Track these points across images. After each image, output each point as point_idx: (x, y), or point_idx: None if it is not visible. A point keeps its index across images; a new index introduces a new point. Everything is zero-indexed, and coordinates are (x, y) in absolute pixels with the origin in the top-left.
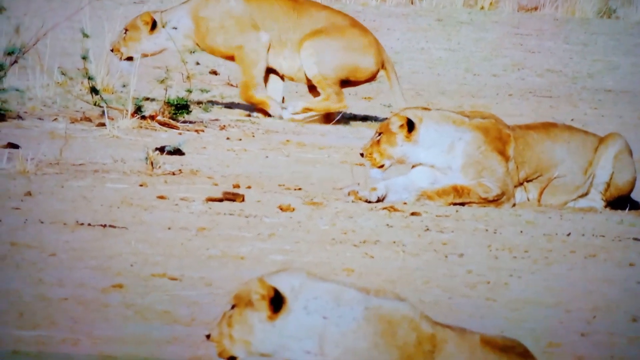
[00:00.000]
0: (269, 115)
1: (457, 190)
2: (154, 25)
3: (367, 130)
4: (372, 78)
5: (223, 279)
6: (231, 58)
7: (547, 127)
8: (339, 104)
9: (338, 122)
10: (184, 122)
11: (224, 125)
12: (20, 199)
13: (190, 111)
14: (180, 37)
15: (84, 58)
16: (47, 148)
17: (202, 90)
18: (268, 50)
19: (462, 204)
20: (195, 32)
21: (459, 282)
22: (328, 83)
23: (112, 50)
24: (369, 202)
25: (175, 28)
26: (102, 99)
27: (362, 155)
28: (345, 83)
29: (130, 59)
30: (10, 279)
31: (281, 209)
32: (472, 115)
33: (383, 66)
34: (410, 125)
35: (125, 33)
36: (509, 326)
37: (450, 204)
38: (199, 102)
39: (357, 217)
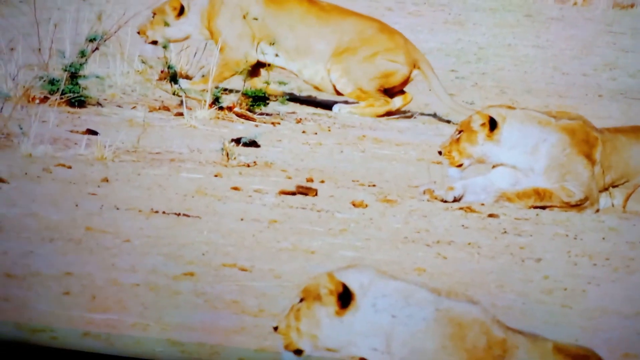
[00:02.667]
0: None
1: (538, 193)
2: (181, 11)
3: (446, 128)
4: (407, 80)
5: (292, 272)
6: (220, 49)
7: (637, 131)
8: (385, 107)
9: (416, 118)
10: (261, 114)
11: (300, 119)
12: (97, 184)
13: (268, 103)
14: (198, 22)
15: (165, 47)
16: (125, 135)
17: (280, 83)
18: (248, 68)
19: (543, 208)
20: (208, 10)
21: (535, 287)
22: (368, 94)
23: (138, 33)
24: (445, 201)
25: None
26: (180, 88)
27: (440, 153)
28: (383, 90)
29: (155, 42)
30: (85, 263)
31: (354, 205)
32: (559, 116)
33: (416, 66)
34: (492, 124)
35: (153, 17)
36: (584, 335)
37: (530, 207)
38: (276, 95)
39: (432, 216)
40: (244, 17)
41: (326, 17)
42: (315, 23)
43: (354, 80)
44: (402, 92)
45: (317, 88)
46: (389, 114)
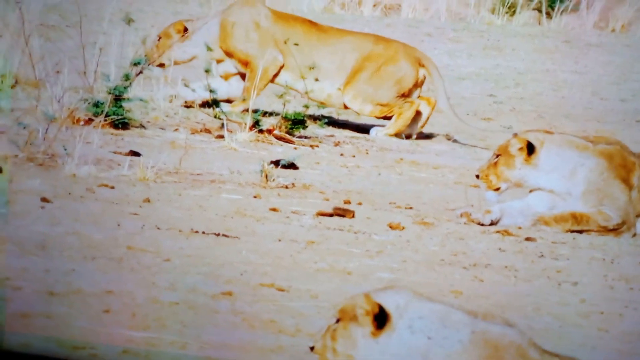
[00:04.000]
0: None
1: (575, 217)
2: (184, 33)
3: (484, 152)
4: (417, 81)
5: (329, 292)
6: (245, 64)
7: None
8: (412, 107)
9: (455, 141)
10: (300, 137)
11: (339, 142)
12: (139, 205)
13: (307, 126)
14: (209, 43)
15: (207, 71)
16: (167, 157)
17: (319, 106)
18: (279, 70)
19: (580, 232)
20: (220, 34)
21: (572, 310)
22: (389, 105)
23: (146, 57)
24: (482, 224)
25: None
26: (222, 111)
27: (477, 176)
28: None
29: (161, 65)
30: (125, 281)
31: (391, 227)
32: (597, 141)
33: (420, 64)
34: (530, 148)
35: (158, 40)
36: (620, 359)
37: (567, 231)
38: (315, 118)
39: (469, 239)
40: (257, 26)
41: (325, 36)
42: (317, 42)
43: (370, 99)
44: (427, 99)
45: (323, 104)
46: (422, 136)
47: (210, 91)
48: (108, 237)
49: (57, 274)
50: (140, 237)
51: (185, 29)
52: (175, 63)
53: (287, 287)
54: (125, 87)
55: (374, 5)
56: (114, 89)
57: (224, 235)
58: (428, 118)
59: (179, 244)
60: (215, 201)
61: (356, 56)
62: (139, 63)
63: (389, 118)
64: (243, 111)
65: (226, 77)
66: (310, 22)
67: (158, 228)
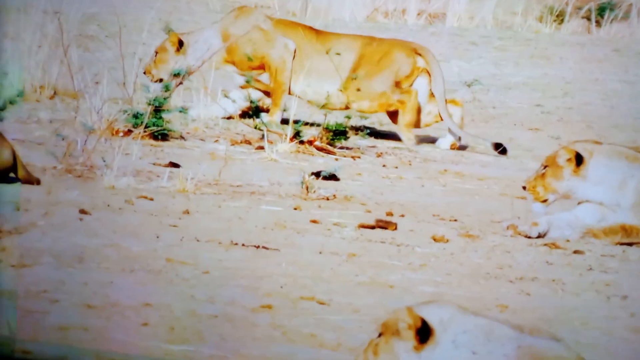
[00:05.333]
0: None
1: (625, 230)
2: (181, 46)
3: (531, 163)
4: (415, 69)
5: (370, 306)
6: (259, 68)
7: None
8: (412, 97)
9: (501, 152)
10: (341, 148)
11: (381, 153)
12: (178, 216)
13: (348, 137)
14: (208, 55)
15: (247, 82)
16: (207, 168)
17: (361, 117)
18: (294, 58)
19: (630, 244)
20: (226, 48)
21: (621, 325)
22: (386, 98)
23: (144, 73)
24: (529, 237)
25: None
26: (262, 122)
27: (524, 188)
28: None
29: (160, 80)
30: (164, 293)
31: (434, 240)
32: None
33: (417, 53)
34: (578, 159)
35: (155, 55)
36: None
37: (616, 244)
38: (356, 129)
39: (515, 252)
40: (259, 28)
41: (323, 39)
42: (315, 45)
43: (367, 94)
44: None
45: (324, 107)
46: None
47: (251, 102)
48: (147, 249)
49: (95, 286)
50: (179, 249)
51: (181, 42)
52: (175, 77)
53: (328, 300)
54: (165, 98)
55: (418, 14)
56: (154, 100)
57: (263, 247)
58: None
59: (218, 256)
60: (255, 213)
61: (353, 57)
62: (179, 74)
63: (394, 114)
64: (281, 120)
65: (245, 88)
66: (310, 27)
67: (197, 240)
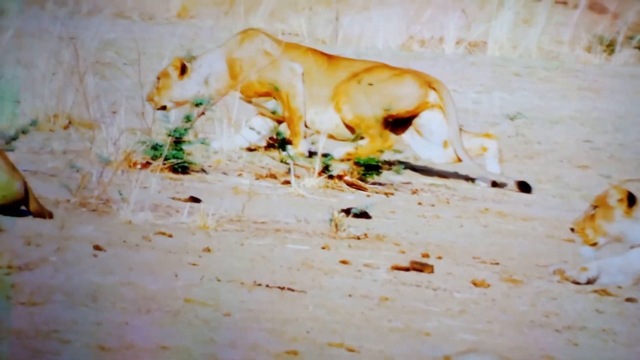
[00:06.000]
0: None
1: None
2: (183, 70)
3: (579, 203)
4: (423, 104)
5: (404, 354)
6: (266, 94)
7: None
8: (385, 144)
9: (546, 191)
10: (373, 183)
11: (416, 189)
12: (198, 254)
13: (381, 172)
14: (212, 80)
15: (274, 113)
16: (230, 204)
17: (394, 151)
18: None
19: None
20: (229, 74)
21: None
22: (367, 125)
23: (147, 100)
24: (578, 283)
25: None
26: (289, 156)
27: (572, 230)
28: (395, 119)
29: (164, 108)
30: (182, 336)
31: (474, 284)
32: None
33: (431, 86)
34: (631, 200)
35: (158, 81)
36: None
37: None
38: (390, 164)
39: (562, 299)
40: (265, 53)
41: (334, 64)
42: (326, 70)
43: (356, 106)
44: (486, 134)
45: (331, 137)
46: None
47: (277, 134)
48: (164, 288)
49: (109, 326)
50: (199, 289)
51: (184, 66)
52: (178, 104)
53: (358, 347)
54: (186, 129)
55: (457, 42)
56: (174, 131)
57: (289, 289)
58: (501, 153)
59: (240, 297)
60: (280, 252)
61: (357, 70)
62: (200, 103)
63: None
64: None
65: (263, 115)
66: (321, 52)
67: (218, 280)
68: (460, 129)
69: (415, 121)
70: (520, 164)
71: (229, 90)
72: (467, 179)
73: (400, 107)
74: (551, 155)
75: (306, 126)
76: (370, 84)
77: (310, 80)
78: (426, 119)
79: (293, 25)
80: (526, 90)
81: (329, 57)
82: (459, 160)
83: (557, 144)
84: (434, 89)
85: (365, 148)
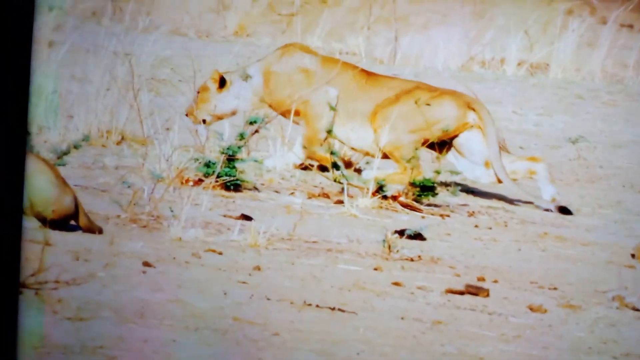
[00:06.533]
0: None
1: None
2: (222, 84)
3: None
4: (462, 125)
5: None
6: (295, 113)
7: None
8: (412, 175)
9: (607, 216)
10: (429, 205)
11: (473, 212)
12: (248, 273)
13: (437, 194)
14: (249, 94)
15: (329, 132)
16: (281, 222)
17: (451, 172)
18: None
19: None
20: (264, 87)
21: None
22: (401, 154)
23: (186, 115)
24: (637, 310)
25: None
26: (343, 175)
27: (633, 256)
28: (434, 142)
29: (203, 122)
30: (230, 355)
31: (531, 309)
32: None
33: (470, 107)
34: None
35: (197, 94)
36: None
37: None
38: (447, 185)
39: (621, 326)
40: (302, 70)
41: (373, 81)
42: (364, 87)
43: (392, 133)
44: (531, 157)
45: (367, 154)
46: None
47: (332, 153)
48: (213, 306)
49: (156, 344)
50: (248, 308)
51: (223, 80)
52: (217, 118)
53: None
54: (239, 147)
55: (519, 64)
56: (227, 149)
57: (339, 309)
58: (551, 175)
59: (289, 317)
60: (331, 272)
61: (397, 92)
62: (255, 122)
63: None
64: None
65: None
66: (362, 69)
67: (268, 299)
68: (502, 149)
69: (455, 141)
70: (581, 188)
71: (263, 104)
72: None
73: (439, 129)
74: (613, 180)
75: (341, 142)
76: (410, 107)
77: (346, 97)
78: (466, 139)
79: (351, 45)
80: (589, 114)
81: (368, 73)
82: (500, 181)
83: (619, 168)
84: (473, 109)
85: (394, 177)
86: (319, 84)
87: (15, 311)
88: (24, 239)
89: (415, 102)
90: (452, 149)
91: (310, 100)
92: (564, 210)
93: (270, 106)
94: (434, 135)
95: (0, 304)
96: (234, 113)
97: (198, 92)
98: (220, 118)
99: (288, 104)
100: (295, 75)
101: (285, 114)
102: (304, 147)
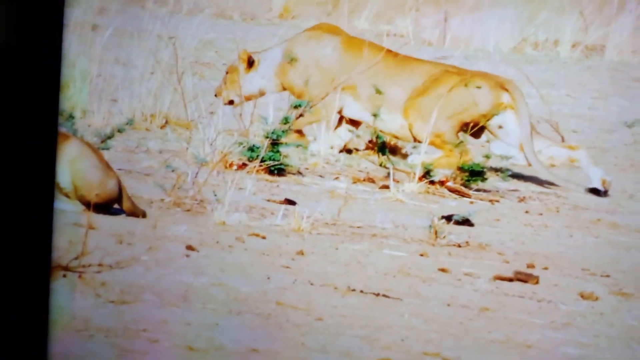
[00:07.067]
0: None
1: None
2: (251, 64)
3: None
4: (497, 105)
5: None
6: (300, 96)
7: None
8: (460, 157)
9: (595, 192)
10: (477, 190)
11: (524, 197)
12: (291, 257)
13: (486, 179)
14: (272, 74)
15: (375, 115)
16: (325, 207)
17: (502, 157)
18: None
19: None
20: (280, 64)
21: None
22: (442, 138)
23: (215, 95)
24: None
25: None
26: (389, 159)
27: None
28: (470, 126)
29: (231, 102)
30: (272, 339)
31: (582, 297)
32: None
33: (503, 88)
34: None
35: (226, 75)
36: None
37: None
38: (497, 170)
39: None
40: (319, 65)
41: (400, 64)
42: (390, 70)
43: (428, 121)
44: (569, 145)
45: (395, 137)
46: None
47: (377, 137)
48: (256, 290)
49: (198, 327)
50: (291, 293)
51: (251, 59)
52: (246, 98)
53: (455, 357)
54: (283, 131)
55: (573, 46)
56: (272, 133)
57: (384, 295)
58: (591, 158)
59: (333, 302)
60: (376, 257)
61: (424, 79)
62: (299, 105)
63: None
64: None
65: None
66: (388, 50)
67: (311, 284)
68: (556, 131)
69: (489, 123)
70: (636, 174)
71: (281, 89)
72: (595, 191)
73: (475, 113)
74: None
75: (369, 126)
76: (441, 93)
77: (372, 80)
78: (500, 121)
79: (399, 27)
80: None
81: (395, 55)
82: (529, 164)
83: None
84: (506, 89)
85: (441, 160)
86: (329, 84)
87: (47, 293)
88: (55, 222)
89: (465, 85)
90: (486, 131)
91: (315, 98)
92: (594, 191)
93: (282, 84)
94: (471, 118)
95: (36, 287)
96: (262, 94)
97: (227, 73)
98: (249, 99)
99: (297, 91)
100: (311, 69)
101: (292, 94)
102: (293, 125)
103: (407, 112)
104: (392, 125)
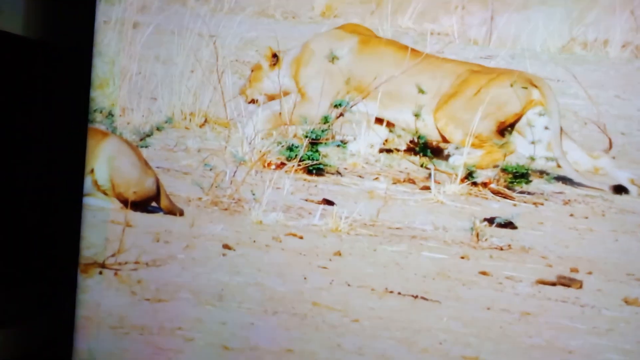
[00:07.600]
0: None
1: None
2: (275, 61)
3: None
4: (528, 103)
5: None
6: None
7: None
8: (504, 152)
9: (619, 191)
10: (521, 192)
11: (569, 200)
12: (328, 258)
13: (530, 181)
14: (288, 71)
15: (417, 115)
16: (364, 208)
17: (547, 159)
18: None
19: None
20: (297, 58)
21: None
22: (480, 138)
23: (240, 94)
24: None
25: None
26: (430, 160)
27: None
28: (505, 125)
29: (254, 101)
30: (308, 340)
31: (626, 302)
32: None
33: (532, 84)
34: None
35: (251, 74)
36: None
37: None
38: (542, 172)
39: None
40: (332, 60)
41: (422, 64)
42: (410, 68)
43: (462, 126)
44: (591, 154)
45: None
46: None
47: (419, 137)
48: (292, 290)
49: (233, 327)
50: (328, 293)
51: (275, 56)
52: (270, 98)
53: None
54: (323, 131)
55: (623, 46)
56: (311, 132)
57: (422, 297)
58: (615, 162)
59: (370, 303)
60: (414, 259)
61: (452, 80)
62: (340, 105)
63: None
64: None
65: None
66: (405, 47)
67: (348, 285)
68: (603, 132)
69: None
70: None
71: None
72: (619, 188)
73: (509, 112)
74: None
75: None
76: (471, 95)
77: (393, 80)
78: (530, 119)
79: (444, 25)
80: None
81: (416, 53)
82: (559, 166)
83: None
84: (536, 86)
85: (484, 159)
86: (332, 94)
87: (74, 288)
88: (83, 219)
89: (511, 85)
90: (529, 132)
91: (312, 103)
92: (618, 189)
93: (293, 78)
94: (506, 117)
95: (64, 283)
96: (286, 93)
97: (252, 71)
98: (272, 98)
99: (299, 86)
100: (320, 72)
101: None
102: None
103: (437, 117)
104: (412, 123)
